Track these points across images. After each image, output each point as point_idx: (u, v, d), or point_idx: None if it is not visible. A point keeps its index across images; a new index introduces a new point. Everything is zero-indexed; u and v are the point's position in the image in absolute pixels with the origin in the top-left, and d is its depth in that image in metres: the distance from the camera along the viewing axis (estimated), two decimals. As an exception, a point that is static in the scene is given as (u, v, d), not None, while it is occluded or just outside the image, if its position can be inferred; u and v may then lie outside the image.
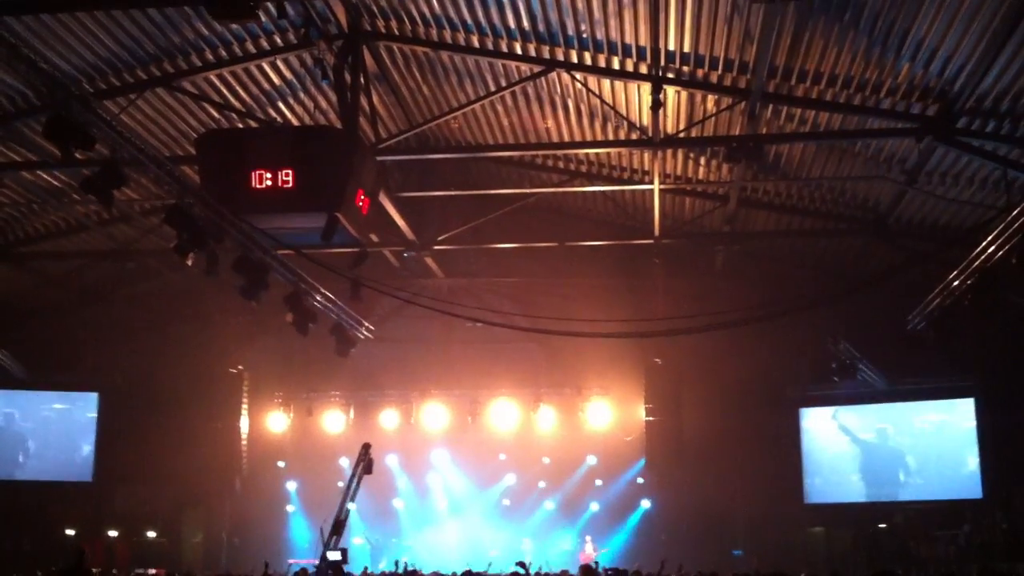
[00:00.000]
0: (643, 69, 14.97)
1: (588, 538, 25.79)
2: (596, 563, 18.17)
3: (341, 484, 25.98)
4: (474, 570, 19.52)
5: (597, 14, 14.01)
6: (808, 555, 23.13)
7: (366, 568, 22.38)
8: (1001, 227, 14.71)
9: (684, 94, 15.57)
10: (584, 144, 18.11)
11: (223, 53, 15.50)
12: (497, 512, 27.16)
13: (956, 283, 16.61)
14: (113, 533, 25.35)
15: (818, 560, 22.48)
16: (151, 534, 25.91)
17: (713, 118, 15.83)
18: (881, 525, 23.85)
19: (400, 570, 19.23)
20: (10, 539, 23.79)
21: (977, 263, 15.67)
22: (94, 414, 25.33)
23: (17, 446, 24.88)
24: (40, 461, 24.95)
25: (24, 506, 24.22)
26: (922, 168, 15.78)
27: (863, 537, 23.61)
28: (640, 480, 25.63)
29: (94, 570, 19.36)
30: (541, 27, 14.61)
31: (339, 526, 17.65)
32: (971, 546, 21.70)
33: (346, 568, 17.59)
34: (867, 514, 23.84)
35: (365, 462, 19.02)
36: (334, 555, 17.15)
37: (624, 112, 16.27)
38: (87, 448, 25.23)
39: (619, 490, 26.22)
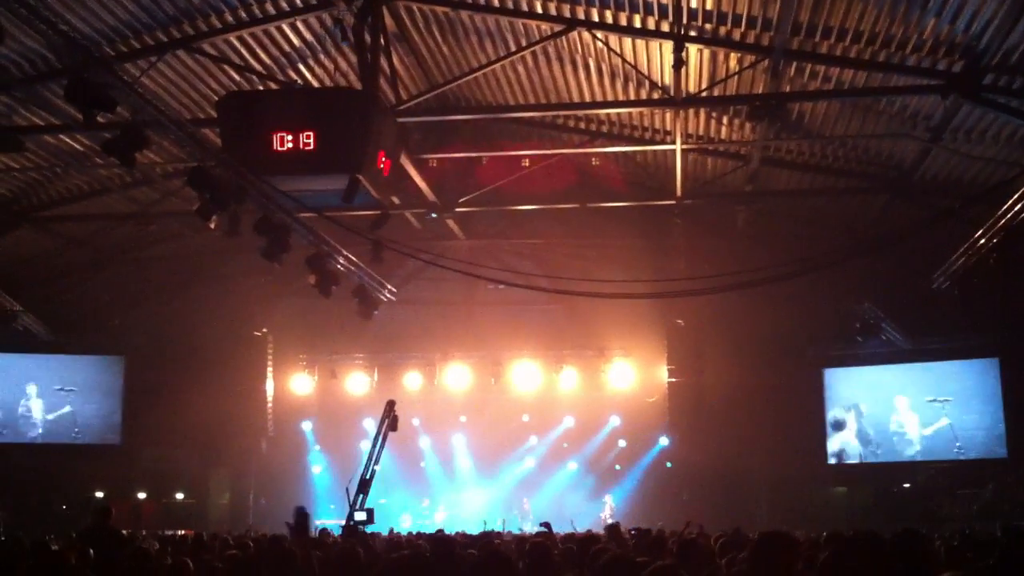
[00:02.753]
0: (665, 27, 14.83)
1: (607, 499, 26.00)
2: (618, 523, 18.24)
3: (365, 444, 26.29)
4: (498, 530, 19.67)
5: (618, -29, 13.89)
6: (830, 514, 23.16)
7: (392, 528, 22.56)
8: (1027, 185, 14.58)
9: (706, 52, 15.41)
10: (605, 104, 17.99)
11: (243, 15, 15.45)
12: (520, 473, 27.34)
13: (982, 241, 16.49)
14: (141, 495, 25.68)
15: (840, 519, 22.51)
16: (179, 495, 26.25)
17: (736, 76, 15.66)
18: (905, 484, 23.88)
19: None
20: (39, 500, 24.12)
21: (1003, 221, 15.54)
22: (120, 376, 25.59)
23: (45, 409, 25.17)
24: (68, 423, 25.23)
25: (53, 468, 24.54)
26: (947, 125, 15.63)
27: (885, 496, 23.64)
28: (663, 440, 25.72)
29: (123, 531, 19.58)
30: (562, -15, 14.52)
31: (365, 485, 17.75)
32: (994, 504, 21.68)
33: (371, 527, 17.71)
34: (890, 473, 23.88)
35: (390, 419, 19.08)
36: (360, 515, 17.28)
37: (646, 71, 16.15)
38: (114, 410, 25.50)
39: (642, 451, 26.34)
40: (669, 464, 25.54)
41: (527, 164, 18.62)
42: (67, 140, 17.97)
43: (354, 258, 19.19)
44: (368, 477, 17.93)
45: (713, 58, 15.60)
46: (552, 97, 18.14)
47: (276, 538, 11.72)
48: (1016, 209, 15.02)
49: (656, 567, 5.52)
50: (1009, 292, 18.76)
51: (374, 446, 18.70)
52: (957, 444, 22.92)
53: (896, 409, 23.85)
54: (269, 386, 26.93)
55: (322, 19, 15.78)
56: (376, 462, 18.31)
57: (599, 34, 15.36)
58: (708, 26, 14.60)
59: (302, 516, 8.10)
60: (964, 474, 22.94)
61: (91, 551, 9.43)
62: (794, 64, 15.07)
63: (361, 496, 17.58)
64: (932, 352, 23.44)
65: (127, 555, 9.20)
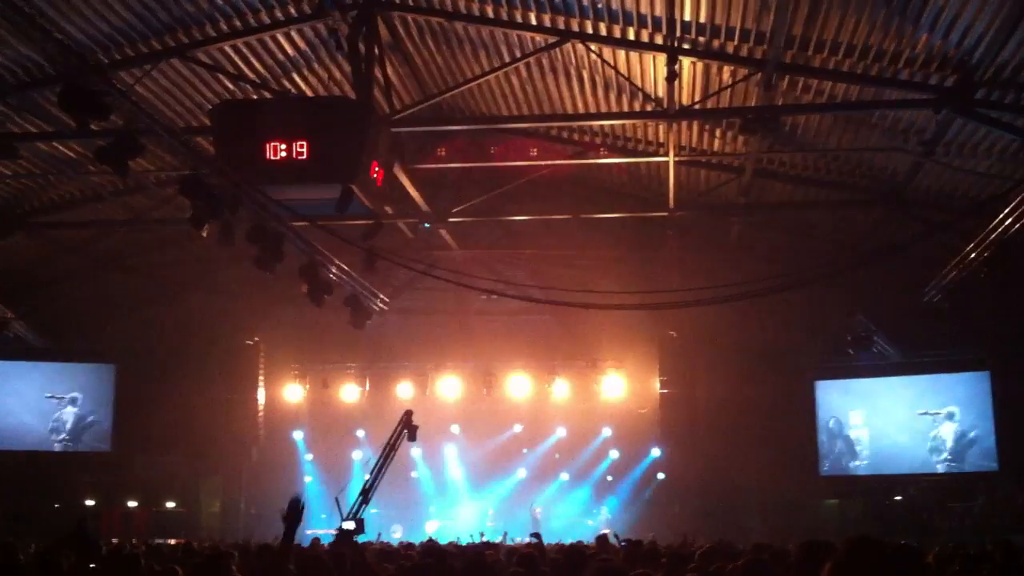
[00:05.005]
0: (658, 40, 14.86)
1: (603, 510, 26.02)
2: (616, 534, 18.20)
3: (356, 455, 26.29)
4: (489, 539, 19.63)
5: (612, -17, 13.92)
6: (821, 526, 23.15)
7: (379, 534, 22.53)
8: (1018, 199, 14.63)
9: (700, 65, 15.44)
10: (599, 115, 18.02)
11: (237, 23, 15.46)
12: (512, 483, 27.30)
13: (973, 255, 16.54)
14: (132, 503, 25.60)
15: (832, 531, 22.51)
16: (170, 504, 26.17)
17: (729, 89, 15.70)
18: (896, 497, 23.88)
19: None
20: (29, 508, 24.02)
21: (994, 235, 15.59)
22: (112, 384, 25.53)
23: (36, 417, 25.09)
24: (58, 431, 25.16)
25: (43, 476, 24.45)
26: (940, 139, 15.65)
27: (877, 508, 23.64)
28: (655, 452, 25.72)
29: (114, 540, 19.52)
30: (556, -3, 14.54)
31: (365, 494, 17.65)
32: (986, 518, 21.71)
33: (362, 537, 17.63)
34: (882, 486, 23.90)
35: (409, 429, 18.91)
36: (348, 525, 17.20)
37: (639, 83, 16.18)
38: (106, 418, 25.44)
39: (634, 462, 26.33)
40: (661, 475, 25.52)
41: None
42: (60, 147, 17.96)
43: (347, 267, 19.18)
44: (367, 487, 17.79)
45: (706, 71, 15.63)
46: (546, 108, 18.18)
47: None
48: (1007, 223, 15.07)
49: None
50: (1000, 305, 18.83)
51: (384, 455, 18.48)
52: (947, 457, 22.94)
53: (889, 420, 23.86)
54: (260, 395, 26.90)
55: (316, 29, 15.81)
56: (380, 472, 18.09)
57: (593, 46, 15.40)
58: (701, 39, 14.63)
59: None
60: (955, 487, 22.95)
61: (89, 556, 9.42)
62: (787, 77, 15.09)
63: (362, 504, 17.45)
64: (924, 365, 23.47)
65: (116, 561, 9.17)
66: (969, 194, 17.68)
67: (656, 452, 25.73)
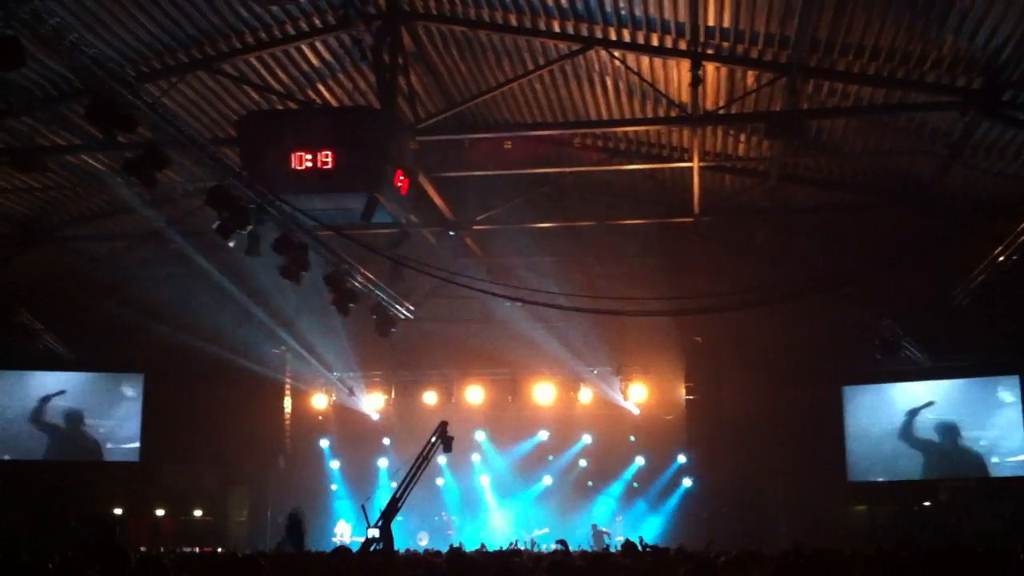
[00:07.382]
0: (682, 45, 14.86)
1: (618, 519, 25.98)
2: (641, 538, 18.15)
3: (382, 463, 26.34)
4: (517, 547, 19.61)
5: (635, -10, 13.93)
6: (850, 533, 23.01)
7: (408, 548, 22.51)
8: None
9: (724, 70, 15.43)
10: (623, 122, 18.02)
11: (263, 35, 15.58)
12: (538, 490, 27.27)
13: (1001, 258, 16.42)
14: (160, 512, 25.74)
15: (860, 538, 22.36)
16: (197, 512, 26.29)
17: (753, 94, 15.68)
18: (925, 503, 23.71)
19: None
20: (57, 516, 24.18)
21: (1023, 237, 15.47)
22: (140, 394, 25.70)
23: (65, 427, 25.27)
24: (87, 441, 25.34)
25: (72, 485, 24.61)
26: (966, 141, 15.56)
27: (905, 514, 23.48)
28: (681, 458, 25.63)
29: (142, 548, 19.62)
30: (579, 4, 14.53)
31: (393, 502, 17.56)
32: (1015, 524, 21.52)
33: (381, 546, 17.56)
34: (911, 491, 23.73)
35: (444, 441, 18.81)
36: (373, 532, 17.16)
37: (663, 89, 16.17)
38: (134, 428, 25.60)
39: (660, 469, 26.23)
40: (688, 482, 25.43)
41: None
42: (88, 160, 18.11)
43: (372, 276, 19.24)
44: (398, 495, 17.72)
45: (731, 76, 15.61)
46: (570, 115, 18.18)
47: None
48: (1036, 226, 14.97)
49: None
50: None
51: (417, 466, 18.34)
52: (978, 462, 22.77)
53: (917, 427, 23.70)
54: (287, 404, 27.02)
55: (341, 39, 15.89)
56: (411, 483, 17.96)
57: (616, 53, 15.41)
58: (725, 44, 14.62)
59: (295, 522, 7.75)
60: (985, 492, 22.77)
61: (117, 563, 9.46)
62: (812, 81, 15.06)
63: (391, 515, 17.30)
64: (952, 370, 23.30)
65: (144, 570, 9.20)
66: (997, 196, 17.56)
67: (682, 458, 25.63)
